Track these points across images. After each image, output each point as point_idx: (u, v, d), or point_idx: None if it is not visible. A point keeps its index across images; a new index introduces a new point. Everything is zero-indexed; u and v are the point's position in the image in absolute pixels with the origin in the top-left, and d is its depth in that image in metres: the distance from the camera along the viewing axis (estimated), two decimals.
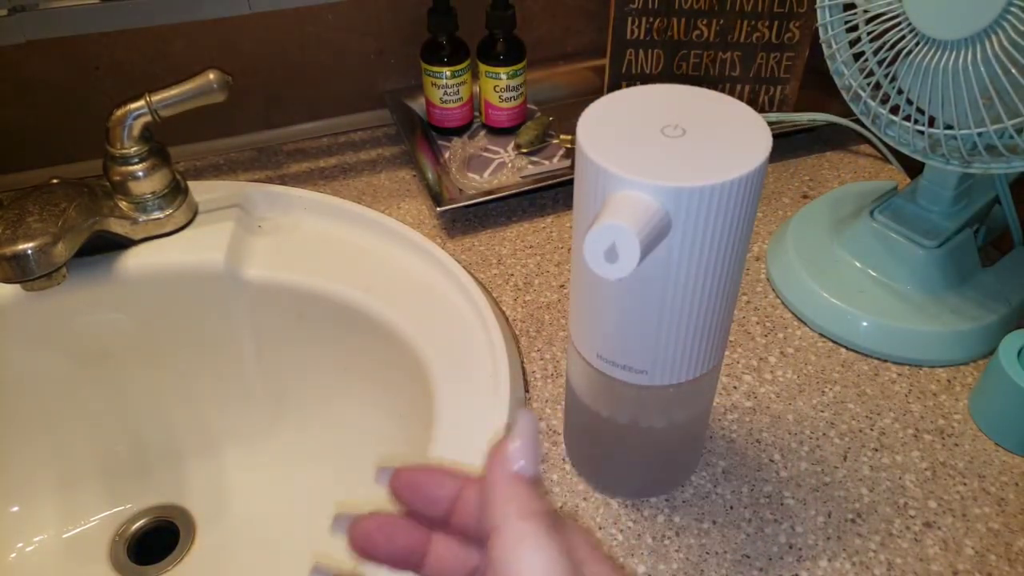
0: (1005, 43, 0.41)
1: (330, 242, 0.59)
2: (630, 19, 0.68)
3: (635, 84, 0.68)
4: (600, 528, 0.44)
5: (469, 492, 0.27)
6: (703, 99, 0.35)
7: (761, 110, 0.71)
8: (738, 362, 0.53)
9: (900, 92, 0.48)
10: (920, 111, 0.48)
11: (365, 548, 0.27)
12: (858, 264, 0.56)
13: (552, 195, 0.66)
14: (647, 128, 0.33)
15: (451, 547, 0.27)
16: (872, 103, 0.50)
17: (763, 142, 0.32)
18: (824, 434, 0.48)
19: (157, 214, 0.55)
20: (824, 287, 0.55)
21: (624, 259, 0.28)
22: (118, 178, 0.54)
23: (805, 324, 0.55)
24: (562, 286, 0.58)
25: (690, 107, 0.34)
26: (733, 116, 0.33)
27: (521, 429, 0.24)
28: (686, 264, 0.32)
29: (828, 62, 0.52)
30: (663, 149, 0.31)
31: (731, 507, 0.45)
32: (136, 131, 0.53)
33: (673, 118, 0.33)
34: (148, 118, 0.52)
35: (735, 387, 0.51)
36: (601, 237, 0.28)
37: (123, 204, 0.55)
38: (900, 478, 0.46)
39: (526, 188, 0.64)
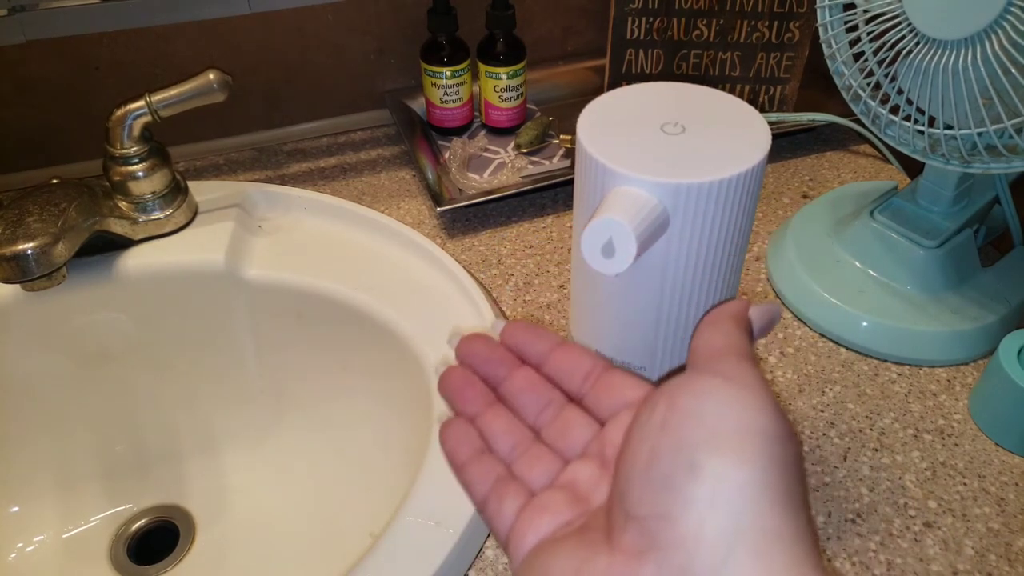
0: (1005, 43, 0.41)
1: (330, 242, 0.59)
2: (630, 19, 0.68)
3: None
4: None
5: (562, 350, 0.31)
6: (703, 97, 0.35)
7: (761, 110, 0.71)
8: None
9: (900, 92, 0.48)
10: (920, 111, 0.48)
11: (465, 357, 0.32)
12: (858, 264, 0.55)
13: (552, 195, 0.66)
14: (647, 125, 0.33)
15: (533, 381, 0.31)
16: (872, 103, 0.50)
17: (762, 140, 0.32)
18: (824, 434, 0.48)
19: (157, 214, 0.55)
20: (824, 287, 0.55)
21: (621, 254, 0.28)
22: (118, 178, 0.54)
23: (805, 324, 0.55)
24: (562, 286, 0.58)
25: (690, 104, 0.34)
26: (732, 114, 0.33)
27: (769, 306, 0.28)
28: (684, 260, 0.32)
29: (828, 62, 0.52)
30: (662, 146, 0.31)
31: None
32: (136, 131, 0.53)
33: (673, 115, 0.33)
34: (148, 118, 0.52)
35: None
36: (598, 232, 0.28)
37: (123, 204, 0.55)
38: (900, 478, 0.46)
39: (526, 188, 0.64)
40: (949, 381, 0.51)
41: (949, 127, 0.46)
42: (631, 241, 0.28)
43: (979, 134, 0.44)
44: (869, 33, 0.48)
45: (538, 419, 0.30)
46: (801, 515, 0.22)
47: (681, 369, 0.26)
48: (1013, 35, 0.41)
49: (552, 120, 0.71)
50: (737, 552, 0.20)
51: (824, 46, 0.51)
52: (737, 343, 0.26)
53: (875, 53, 0.48)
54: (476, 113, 0.73)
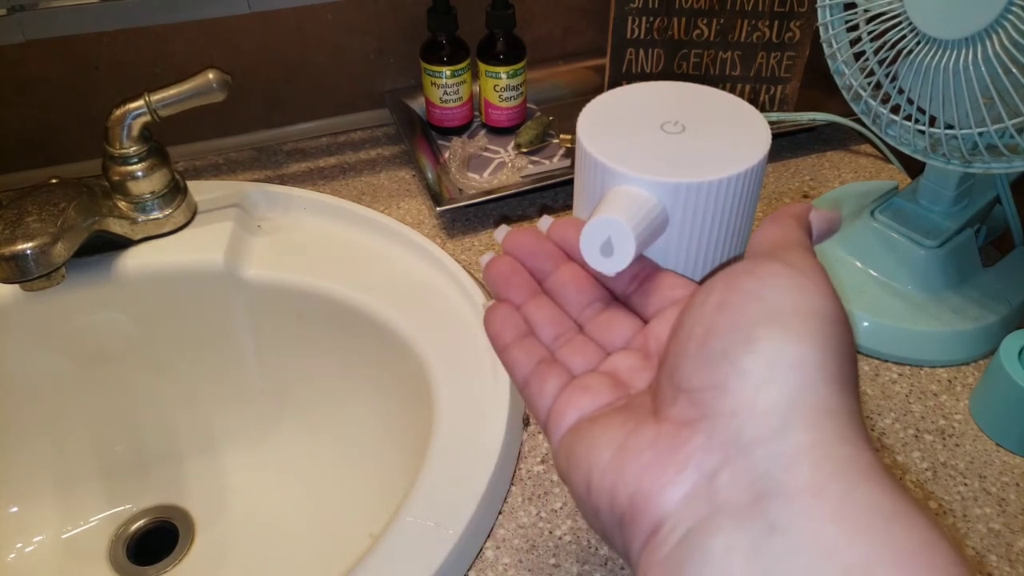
0: (1006, 42, 0.41)
1: (330, 242, 0.59)
2: (630, 19, 0.68)
3: None
4: None
5: None
6: (703, 96, 0.35)
7: (762, 109, 0.71)
8: None
9: (901, 92, 0.48)
10: (921, 111, 0.47)
11: (512, 250, 0.32)
12: (859, 264, 0.55)
13: (552, 195, 0.66)
14: (647, 124, 0.33)
15: (579, 276, 0.31)
16: (873, 102, 0.50)
17: (762, 139, 0.32)
18: None
19: (156, 214, 0.55)
20: None
21: (620, 253, 0.28)
22: (117, 178, 0.54)
23: None
24: None
25: (690, 103, 0.34)
26: (733, 113, 0.33)
27: (830, 214, 0.28)
28: (683, 260, 0.32)
29: (829, 61, 0.52)
30: (662, 145, 0.31)
31: None
32: (135, 131, 0.53)
33: (673, 114, 0.33)
34: (147, 118, 0.52)
35: None
36: (597, 231, 0.28)
37: (122, 204, 0.55)
38: (900, 479, 0.46)
39: (526, 188, 0.64)
40: (950, 381, 0.51)
41: (950, 127, 0.46)
42: (630, 240, 0.28)
43: (980, 134, 0.44)
44: (870, 33, 0.48)
45: (581, 315, 0.31)
46: (852, 395, 0.22)
47: (736, 260, 0.26)
48: (1014, 34, 0.41)
49: (552, 120, 0.71)
50: (790, 424, 0.20)
51: (825, 45, 0.51)
52: (798, 237, 0.26)
53: (876, 53, 0.48)
54: (476, 113, 0.73)
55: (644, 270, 0.30)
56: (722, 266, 0.31)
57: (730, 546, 0.20)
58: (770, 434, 0.20)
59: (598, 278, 0.31)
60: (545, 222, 0.32)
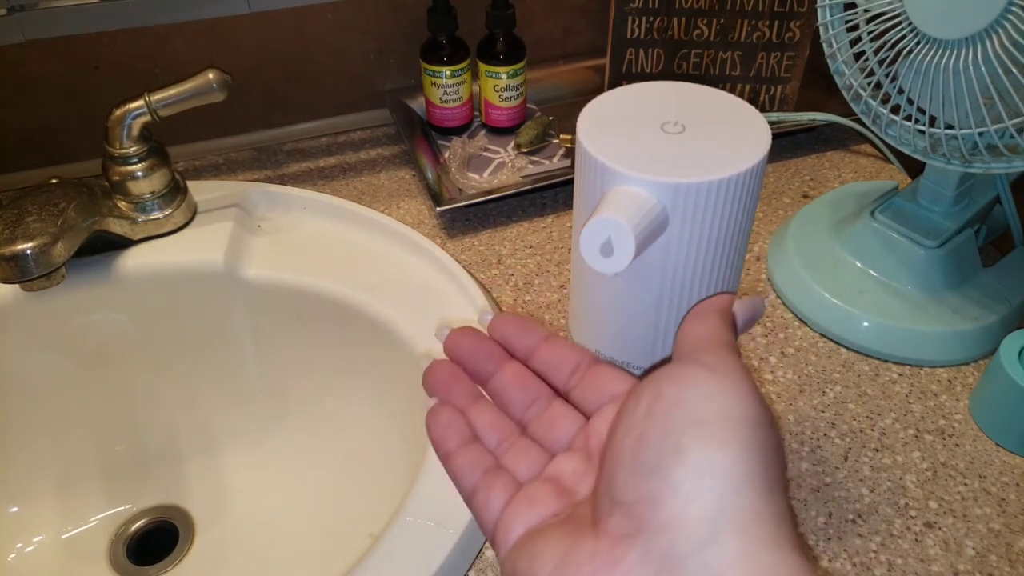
0: (1006, 43, 0.41)
1: (330, 242, 0.59)
2: (630, 18, 0.68)
3: None
4: None
5: (549, 344, 0.32)
6: (703, 96, 0.35)
7: (762, 109, 0.71)
8: None
9: (901, 92, 0.48)
10: (921, 111, 0.47)
11: (453, 351, 0.32)
12: (859, 264, 0.55)
13: (552, 195, 0.66)
14: (647, 124, 0.33)
15: (521, 376, 0.31)
16: (873, 103, 0.50)
17: (762, 139, 0.32)
18: (825, 434, 0.48)
19: (156, 214, 0.55)
20: (825, 287, 0.54)
21: (619, 253, 0.28)
22: (117, 178, 0.54)
23: (806, 324, 0.55)
24: (562, 286, 0.58)
25: (690, 104, 0.34)
26: (733, 113, 0.33)
27: (753, 301, 0.29)
28: (683, 260, 0.32)
29: (829, 61, 0.52)
30: (662, 145, 0.31)
31: None
32: (135, 131, 0.53)
33: (673, 114, 0.33)
34: (147, 118, 0.52)
35: None
36: (597, 231, 0.28)
37: (122, 204, 0.55)
38: (901, 478, 0.46)
39: (526, 188, 0.64)
40: (950, 381, 0.51)
41: (950, 127, 0.46)
42: (629, 240, 0.28)
43: (980, 134, 0.44)
44: (870, 33, 0.48)
45: (525, 414, 0.31)
46: (780, 497, 0.23)
47: (667, 361, 0.27)
48: (1014, 34, 0.41)
49: (552, 120, 0.71)
50: (720, 533, 0.21)
51: (825, 45, 0.51)
52: (721, 335, 0.26)
53: (876, 53, 0.48)
54: (476, 113, 0.73)
55: (583, 362, 0.31)
56: (654, 367, 0.31)
57: None
58: (700, 544, 0.21)
59: (539, 374, 0.31)
60: (485, 318, 0.33)
